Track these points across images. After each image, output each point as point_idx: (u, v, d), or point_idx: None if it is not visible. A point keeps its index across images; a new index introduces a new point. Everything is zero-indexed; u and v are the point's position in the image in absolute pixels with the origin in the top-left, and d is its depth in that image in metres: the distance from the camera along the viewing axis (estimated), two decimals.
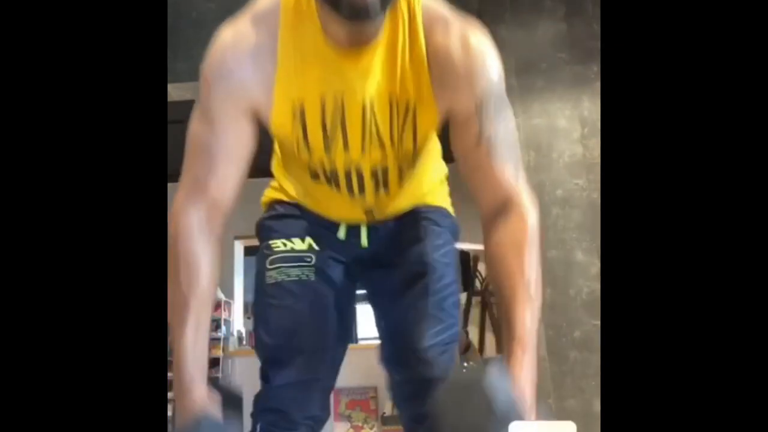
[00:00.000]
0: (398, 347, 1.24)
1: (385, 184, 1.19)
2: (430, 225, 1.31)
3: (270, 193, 1.38)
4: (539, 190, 3.39)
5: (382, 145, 1.11)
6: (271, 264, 1.27)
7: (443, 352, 1.21)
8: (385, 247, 1.30)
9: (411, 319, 1.22)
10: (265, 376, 1.25)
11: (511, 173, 1.08)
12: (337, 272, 1.29)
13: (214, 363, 6.74)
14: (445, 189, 1.39)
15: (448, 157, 1.29)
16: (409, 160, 1.16)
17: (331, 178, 1.16)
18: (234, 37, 1.05)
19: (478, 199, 1.11)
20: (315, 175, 1.17)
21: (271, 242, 1.30)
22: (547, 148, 3.44)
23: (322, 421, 1.26)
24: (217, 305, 6.93)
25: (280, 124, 1.08)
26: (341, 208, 1.26)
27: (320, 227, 1.29)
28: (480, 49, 1.06)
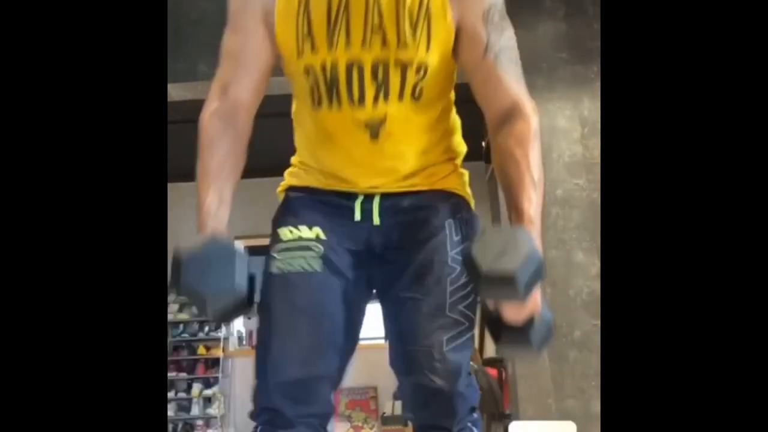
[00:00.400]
0: (411, 351, 1.18)
1: (386, 91, 1.17)
2: (448, 216, 1.25)
3: (286, 180, 1.34)
4: None
5: (384, 39, 1.14)
6: (277, 253, 1.22)
7: (459, 359, 1.17)
8: (398, 232, 1.24)
9: (426, 323, 1.17)
10: (262, 373, 1.17)
11: (516, 83, 1.18)
12: (346, 262, 1.23)
13: (214, 363, 6.74)
14: (463, 178, 1.34)
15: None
16: (415, 64, 1.16)
17: (332, 85, 1.17)
18: None
19: (487, 107, 1.20)
20: (318, 97, 1.19)
21: (279, 230, 1.24)
22: (547, 148, 3.43)
23: (326, 416, 1.22)
24: None
25: (285, 21, 1.16)
26: (350, 147, 1.22)
27: (333, 208, 1.25)
28: None
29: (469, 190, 1.34)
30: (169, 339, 6.58)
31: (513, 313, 1.07)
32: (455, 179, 1.31)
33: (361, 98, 1.18)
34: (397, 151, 1.23)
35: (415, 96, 1.18)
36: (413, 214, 1.24)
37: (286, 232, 1.24)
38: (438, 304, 1.18)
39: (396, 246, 1.24)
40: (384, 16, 1.14)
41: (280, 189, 1.35)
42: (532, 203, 1.08)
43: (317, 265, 1.20)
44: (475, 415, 1.23)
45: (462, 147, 1.35)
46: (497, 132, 1.18)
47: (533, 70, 3.48)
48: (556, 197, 3.38)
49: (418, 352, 1.16)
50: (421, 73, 1.17)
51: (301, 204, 1.27)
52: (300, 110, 1.29)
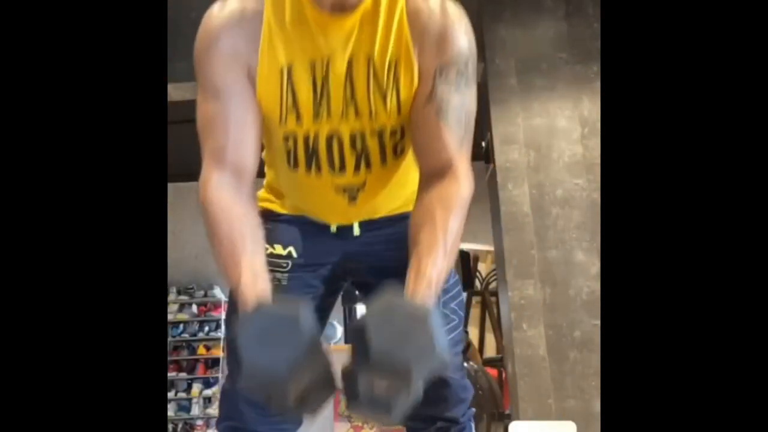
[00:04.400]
0: None
1: (367, 160, 1.18)
2: None
3: (260, 204, 1.36)
4: (539, 190, 3.39)
5: (357, 110, 1.12)
6: None
7: (453, 349, 1.21)
8: (379, 241, 1.28)
9: None
10: (228, 383, 1.23)
11: (456, 142, 1.11)
12: (314, 277, 1.29)
13: (214, 363, 6.75)
14: None
15: None
16: (389, 130, 1.15)
17: (312, 154, 1.16)
18: (220, 9, 1.09)
19: (420, 158, 1.15)
20: (295, 161, 1.18)
21: None
22: (547, 148, 3.43)
23: (294, 424, 1.24)
24: (217, 305, 6.95)
25: (267, 89, 1.11)
26: (325, 204, 1.25)
27: (310, 224, 1.29)
28: (456, 18, 1.10)
29: None
30: (169, 339, 6.59)
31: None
32: None
33: (342, 167, 1.18)
34: (375, 205, 1.27)
35: (396, 154, 1.19)
36: (391, 226, 1.28)
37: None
38: None
39: (378, 252, 1.28)
40: (356, 89, 1.11)
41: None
42: (436, 268, 0.99)
43: (284, 279, 1.26)
44: (471, 410, 1.29)
45: None
46: (423, 187, 1.11)
47: (533, 70, 3.48)
48: (556, 197, 3.38)
49: None
50: (398, 135, 1.17)
51: (277, 224, 1.31)
52: (272, 156, 1.27)
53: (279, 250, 1.27)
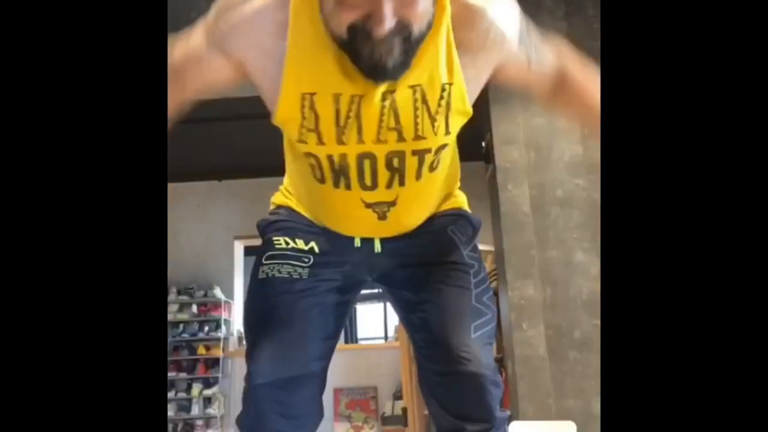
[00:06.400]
0: (439, 341, 1.19)
1: (401, 177, 1.14)
2: (451, 224, 1.29)
3: (280, 199, 1.35)
4: (539, 190, 3.39)
5: (400, 135, 1.07)
6: (266, 259, 1.25)
7: (485, 344, 1.19)
8: (403, 251, 1.27)
9: (453, 313, 1.19)
10: (248, 376, 1.20)
11: (560, 58, 1.22)
12: (334, 274, 1.26)
13: (214, 363, 6.74)
14: (459, 199, 1.36)
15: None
16: (434, 149, 1.12)
17: (341, 172, 1.12)
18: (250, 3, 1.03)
19: (541, 94, 1.26)
20: (321, 175, 1.14)
21: (274, 238, 1.27)
22: (547, 148, 3.43)
23: (311, 419, 1.23)
24: (218, 305, 6.94)
25: (288, 113, 1.06)
26: (353, 220, 1.22)
27: (333, 235, 1.26)
28: (498, 2, 1.09)
29: (464, 197, 1.37)
30: (169, 339, 6.58)
31: None
32: (450, 204, 1.33)
33: (374, 185, 1.14)
34: (404, 223, 1.24)
35: (432, 170, 1.16)
36: (416, 235, 1.27)
37: (281, 242, 1.26)
38: (465, 296, 1.21)
39: (404, 256, 1.26)
40: (400, 117, 1.06)
41: (276, 200, 1.35)
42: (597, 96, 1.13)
43: (304, 273, 1.23)
44: (505, 413, 1.23)
45: (457, 179, 1.36)
46: (558, 86, 1.23)
47: None
48: (556, 197, 3.38)
49: (450, 338, 1.16)
50: (440, 152, 1.14)
51: (299, 221, 1.29)
52: (295, 166, 1.24)
53: (301, 245, 1.25)
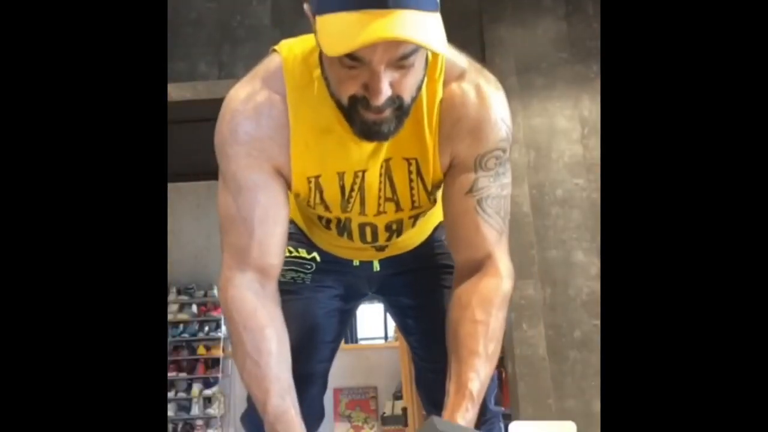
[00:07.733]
0: (432, 341, 1.24)
1: (398, 233, 1.20)
2: (443, 238, 1.32)
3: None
4: (539, 190, 3.39)
5: (398, 206, 1.12)
6: None
7: None
8: (399, 260, 1.31)
9: (445, 314, 1.21)
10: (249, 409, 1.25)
11: (496, 235, 1.08)
12: (336, 282, 1.33)
13: (214, 363, 6.73)
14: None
15: None
16: (429, 210, 1.17)
17: (344, 229, 1.19)
18: (240, 95, 1.04)
19: (457, 251, 1.12)
20: (326, 225, 1.20)
21: None
22: (547, 148, 3.43)
23: (315, 421, 1.27)
24: (217, 305, 6.93)
25: (299, 190, 1.11)
26: (353, 252, 1.28)
27: (333, 255, 1.32)
28: (492, 102, 1.05)
29: None
30: (169, 339, 6.58)
31: None
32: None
33: (375, 240, 1.20)
34: (401, 247, 1.28)
35: (425, 215, 1.20)
36: (412, 250, 1.31)
37: (286, 250, 1.30)
38: None
39: (400, 264, 1.31)
40: (397, 189, 1.10)
41: None
42: (479, 377, 0.97)
43: (307, 279, 1.30)
44: (499, 408, 1.30)
45: None
46: (461, 282, 1.09)
47: (533, 69, 3.48)
48: (556, 197, 3.38)
49: (441, 337, 1.17)
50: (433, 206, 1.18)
51: (301, 235, 1.34)
52: (302, 211, 1.26)
53: (303, 253, 1.31)
